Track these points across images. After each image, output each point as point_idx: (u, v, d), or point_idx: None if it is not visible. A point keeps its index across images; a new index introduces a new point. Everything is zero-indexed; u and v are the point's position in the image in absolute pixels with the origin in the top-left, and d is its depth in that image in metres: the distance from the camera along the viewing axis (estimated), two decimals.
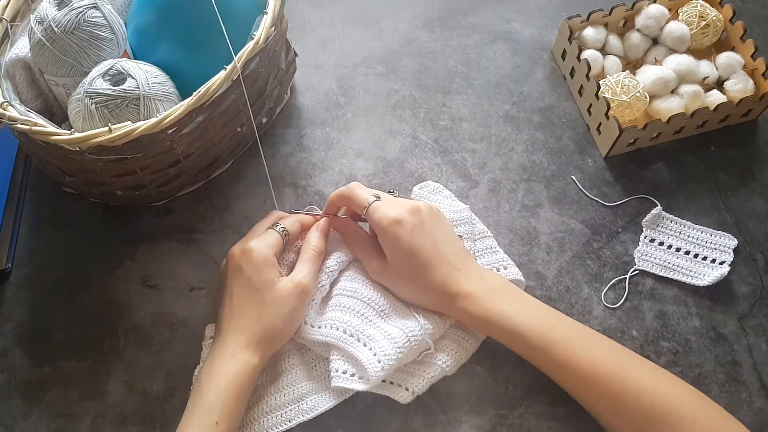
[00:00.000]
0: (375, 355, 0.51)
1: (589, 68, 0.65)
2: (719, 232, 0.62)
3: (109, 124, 0.51)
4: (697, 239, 0.62)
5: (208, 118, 0.56)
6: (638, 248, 0.61)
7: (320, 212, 0.60)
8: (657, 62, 0.68)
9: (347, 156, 0.67)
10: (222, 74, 0.53)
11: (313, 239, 0.56)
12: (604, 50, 0.70)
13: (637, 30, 0.70)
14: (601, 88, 0.64)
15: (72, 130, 0.52)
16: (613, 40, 0.70)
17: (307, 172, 0.66)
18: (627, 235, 0.62)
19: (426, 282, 0.52)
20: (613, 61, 0.69)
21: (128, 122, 0.52)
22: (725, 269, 0.59)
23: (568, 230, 0.63)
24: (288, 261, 0.56)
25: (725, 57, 0.68)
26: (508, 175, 0.66)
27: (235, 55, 0.54)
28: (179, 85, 0.58)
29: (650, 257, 0.61)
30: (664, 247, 0.61)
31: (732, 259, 0.60)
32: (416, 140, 0.68)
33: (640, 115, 0.65)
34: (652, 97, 0.66)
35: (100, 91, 0.54)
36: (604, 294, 0.60)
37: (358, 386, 0.51)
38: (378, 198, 0.54)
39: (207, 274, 0.61)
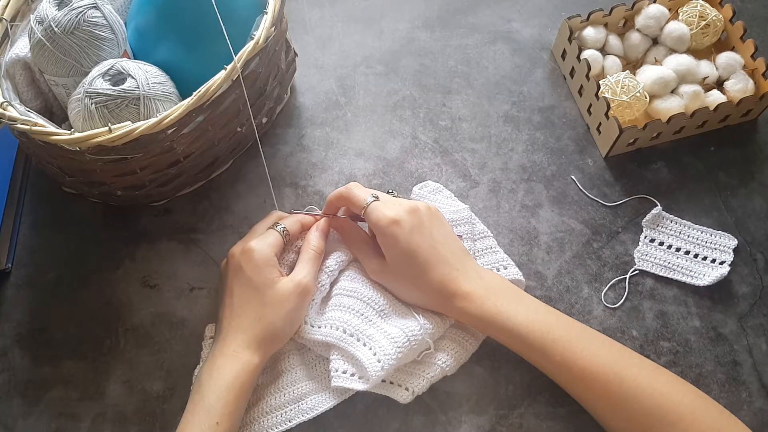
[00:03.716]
0: (375, 354, 0.51)
1: (589, 68, 0.65)
2: (719, 232, 0.62)
3: (109, 124, 0.51)
4: (697, 239, 0.62)
5: (208, 118, 0.56)
6: (638, 248, 0.61)
7: (320, 212, 0.60)
8: (657, 62, 0.68)
9: (347, 156, 0.67)
10: (222, 74, 0.53)
11: (313, 239, 0.56)
12: (604, 50, 0.70)
13: (637, 30, 0.70)
14: (601, 88, 0.64)
15: (72, 130, 0.52)
16: (613, 40, 0.70)
17: (307, 172, 0.66)
18: (627, 235, 0.62)
19: (425, 282, 0.52)
20: (613, 61, 0.68)
21: (128, 122, 0.52)
22: (725, 269, 0.59)
23: (568, 230, 0.63)
24: (288, 261, 0.56)
25: (725, 57, 0.68)
26: (508, 175, 0.66)
27: (235, 55, 0.54)
28: (179, 85, 0.58)
29: (650, 257, 0.61)
30: (664, 247, 0.61)
31: (732, 259, 0.60)
32: (416, 140, 0.68)
33: (640, 115, 0.65)
34: (652, 97, 0.66)
35: (100, 91, 0.54)
36: (604, 294, 0.60)
37: (358, 386, 0.51)
38: (376, 198, 0.54)
39: (207, 274, 0.61)
